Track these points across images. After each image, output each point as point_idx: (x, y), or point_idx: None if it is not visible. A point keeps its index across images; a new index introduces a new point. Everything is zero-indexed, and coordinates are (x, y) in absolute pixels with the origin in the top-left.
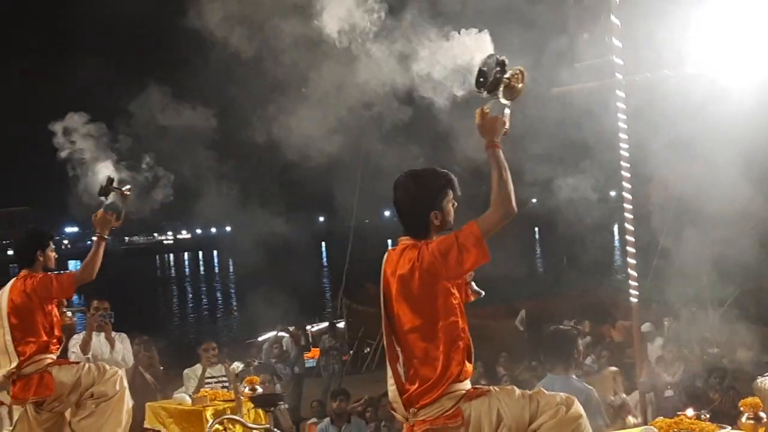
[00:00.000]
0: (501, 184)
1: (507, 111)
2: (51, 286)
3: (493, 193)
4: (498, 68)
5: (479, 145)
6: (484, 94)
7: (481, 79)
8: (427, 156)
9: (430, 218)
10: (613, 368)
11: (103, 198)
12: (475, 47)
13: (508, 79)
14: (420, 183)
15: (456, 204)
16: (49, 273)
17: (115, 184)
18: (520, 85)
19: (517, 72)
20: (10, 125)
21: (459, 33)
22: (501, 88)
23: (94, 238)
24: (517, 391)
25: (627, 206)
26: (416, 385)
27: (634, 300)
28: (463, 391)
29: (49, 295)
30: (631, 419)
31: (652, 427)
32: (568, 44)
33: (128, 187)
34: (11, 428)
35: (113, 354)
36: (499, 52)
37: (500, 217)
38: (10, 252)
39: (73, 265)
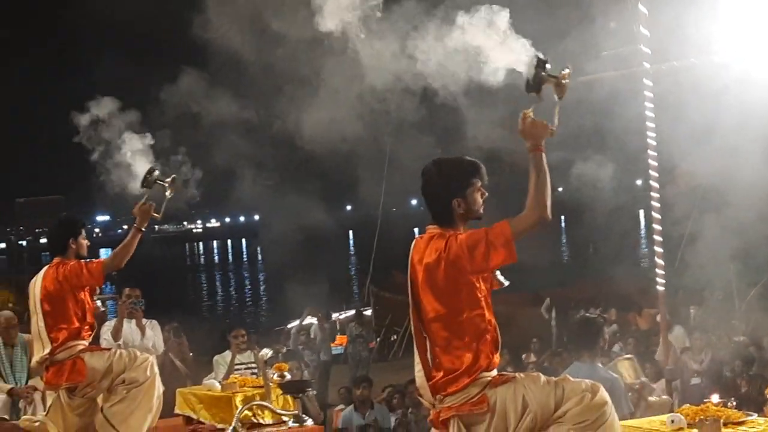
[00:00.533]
0: (539, 189)
1: (557, 108)
2: (81, 273)
3: (530, 196)
4: (539, 67)
5: (494, 134)
6: (534, 94)
7: (529, 82)
8: (446, 146)
9: (453, 206)
10: (628, 356)
11: (145, 188)
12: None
13: (554, 76)
14: (443, 170)
15: (486, 194)
16: (80, 261)
17: (157, 175)
18: (566, 81)
19: (564, 71)
20: (41, 114)
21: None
22: (552, 86)
23: (132, 227)
24: (543, 377)
25: (653, 194)
26: (442, 374)
27: (660, 288)
28: (489, 378)
29: (80, 283)
30: (652, 399)
31: (678, 414)
32: (595, 33)
33: (173, 177)
34: (45, 413)
35: (144, 341)
36: (525, 38)
37: (534, 221)
38: (44, 240)
39: (104, 253)
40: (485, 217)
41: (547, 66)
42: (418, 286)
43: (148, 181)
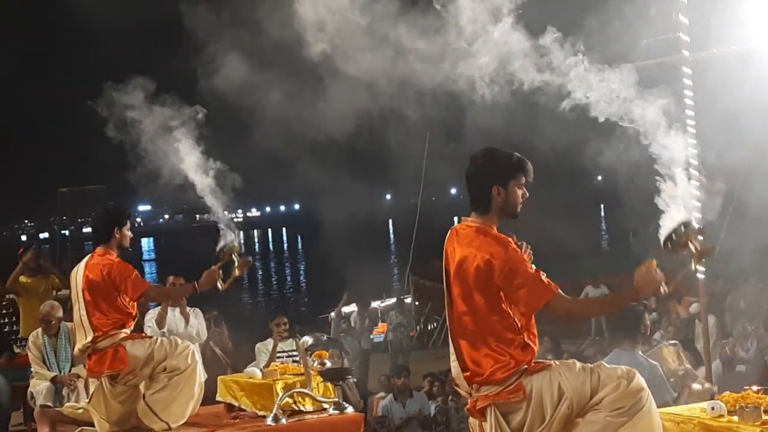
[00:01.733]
0: (598, 310)
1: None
2: (126, 282)
3: (589, 306)
4: (682, 230)
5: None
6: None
7: (669, 243)
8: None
9: (492, 192)
10: (673, 341)
11: (220, 259)
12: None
13: (691, 240)
14: (490, 157)
15: (527, 195)
16: (130, 268)
17: (232, 248)
18: (694, 244)
19: (695, 230)
20: (82, 103)
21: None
22: (691, 251)
23: (192, 282)
24: (578, 364)
25: (694, 182)
26: (475, 366)
27: (700, 275)
28: (525, 366)
29: (120, 288)
30: (696, 386)
31: (718, 401)
32: (635, 21)
33: (248, 259)
34: (87, 400)
35: (188, 329)
36: (561, 27)
37: (569, 315)
38: (86, 230)
39: (145, 242)
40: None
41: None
42: (455, 276)
43: (224, 253)
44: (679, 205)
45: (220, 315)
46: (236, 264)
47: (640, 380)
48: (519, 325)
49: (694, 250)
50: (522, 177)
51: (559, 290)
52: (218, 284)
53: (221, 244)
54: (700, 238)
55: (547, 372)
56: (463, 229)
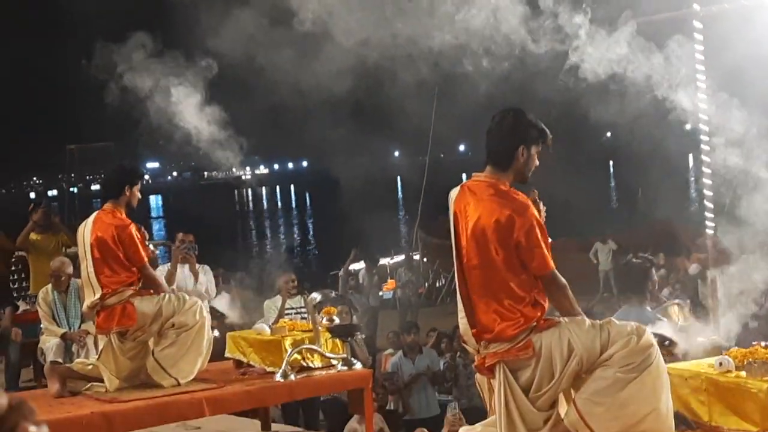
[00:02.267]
0: (566, 305)
1: None
2: (137, 251)
3: (564, 298)
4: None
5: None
6: None
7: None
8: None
9: (518, 152)
10: (677, 301)
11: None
12: None
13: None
14: (521, 118)
15: (537, 162)
16: (136, 240)
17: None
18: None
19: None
20: (89, 61)
21: None
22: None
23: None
24: (587, 321)
25: (703, 138)
26: (485, 323)
27: (709, 231)
28: (534, 324)
29: (132, 250)
30: (700, 339)
31: (726, 356)
32: None
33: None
34: (97, 357)
35: (197, 286)
36: None
37: (549, 294)
38: (95, 187)
39: (153, 200)
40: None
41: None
42: (464, 234)
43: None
44: None
45: (227, 272)
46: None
47: (649, 336)
48: (530, 283)
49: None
50: (541, 145)
51: (555, 270)
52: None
53: None
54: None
55: (556, 329)
56: (476, 185)
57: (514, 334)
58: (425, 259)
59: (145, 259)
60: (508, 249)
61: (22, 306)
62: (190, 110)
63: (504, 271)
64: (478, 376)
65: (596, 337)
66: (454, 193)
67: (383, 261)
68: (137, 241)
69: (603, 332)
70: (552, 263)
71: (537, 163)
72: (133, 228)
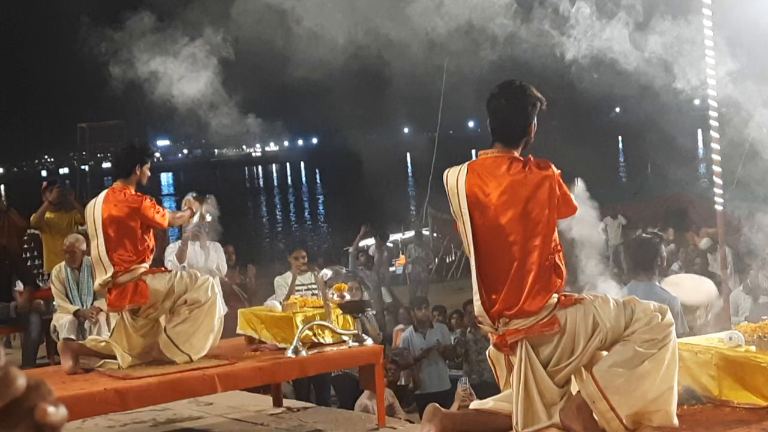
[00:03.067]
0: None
1: None
2: (153, 212)
3: None
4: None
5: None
6: None
7: None
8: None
9: (530, 128)
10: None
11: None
12: None
13: None
14: (527, 93)
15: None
16: (153, 201)
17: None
18: None
19: None
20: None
21: None
22: None
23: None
24: (612, 299)
25: (712, 113)
26: (508, 297)
27: (719, 207)
28: (556, 299)
29: (148, 217)
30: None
31: (736, 331)
32: None
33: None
34: (110, 334)
35: (208, 262)
36: None
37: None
38: (106, 165)
39: (164, 177)
40: None
41: None
42: (483, 210)
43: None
44: None
45: (234, 250)
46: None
47: (671, 316)
48: (550, 248)
49: None
50: (540, 110)
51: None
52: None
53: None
54: None
55: (581, 305)
56: (491, 162)
57: (540, 306)
58: (436, 234)
59: (166, 219)
60: (539, 215)
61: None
62: (201, 87)
63: (531, 239)
64: (491, 351)
65: (621, 314)
66: (458, 173)
67: (393, 237)
68: (154, 206)
69: (627, 309)
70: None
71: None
72: (147, 199)
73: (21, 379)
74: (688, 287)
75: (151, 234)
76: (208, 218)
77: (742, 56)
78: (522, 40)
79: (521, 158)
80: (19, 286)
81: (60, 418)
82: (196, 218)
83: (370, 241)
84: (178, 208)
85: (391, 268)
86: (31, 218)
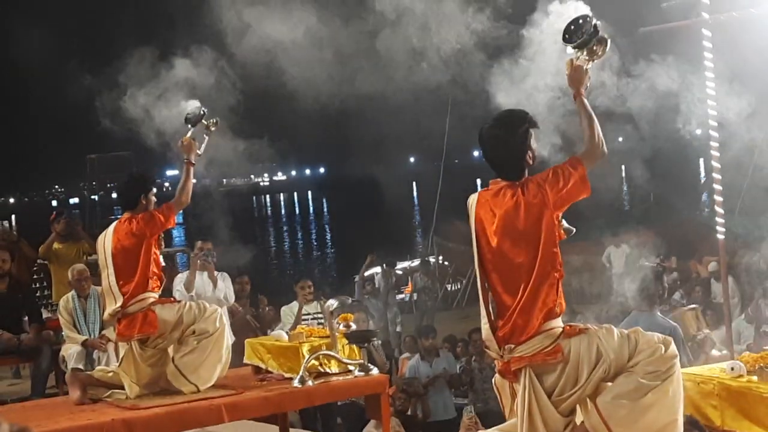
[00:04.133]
0: (592, 129)
1: (587, 68)
2: (155, 220)
3: (587, 137)
4: (592, 31)
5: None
6: (569, 47)
7: (570, 35)
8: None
9: (526, 160)
10: (693, 306)
11: (189, 126)
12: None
13: (594, 44)
14: (509, 130)
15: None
16: (149, 210)
17: (204, 117)
18: (600, 54)
19: (604, 40)
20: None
21: None
22: (585, 48)
23: (183, 163)
24: (616, 330)
25: (713, 143)
26: (510, 320)
27: (720, 236)
28: (560, 329)
29: (156, 229)
30: (715, 352)
31: (738, 361)
32: None
33: (215, 120)
34: (118, 364)
35: (216, 292)
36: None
37: (596, 156)
38: (115, 195)
39: None
40: None
41: (598, 31)
42: (488, 238)
43: (193, 120)
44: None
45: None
46: (206, 124)
47: (674, 348)
48: (558, 264)
49: (587, 50)
50: (532, 130)
51: (577, 155)
52: (197, 150)
53: (187, 112)
54: (606, 42)
55: (585, 336)
56: (494, 191)
57: (536, 329)
58: (443, 262)
59: (173, 210)
60: (527, 236)
61: (45, 314)
62: (209, 118)
63: (537, 259)
64: (496, 379)
65: (625, 345)
66: (473, 199)
67: (400, 265)
68: (153, 216)
69: (631, 341)
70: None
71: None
72: (147, 218)
73: (4, 427)
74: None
75: (159, 264)
76: (213, 128)
77: (742, 88)
78: (527, 71)
79: (519, 183)
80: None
81: None
82: (202, 148)
83: (377, 270)
84: (188, 243)
85: (399, 296)
86: (40, 249)
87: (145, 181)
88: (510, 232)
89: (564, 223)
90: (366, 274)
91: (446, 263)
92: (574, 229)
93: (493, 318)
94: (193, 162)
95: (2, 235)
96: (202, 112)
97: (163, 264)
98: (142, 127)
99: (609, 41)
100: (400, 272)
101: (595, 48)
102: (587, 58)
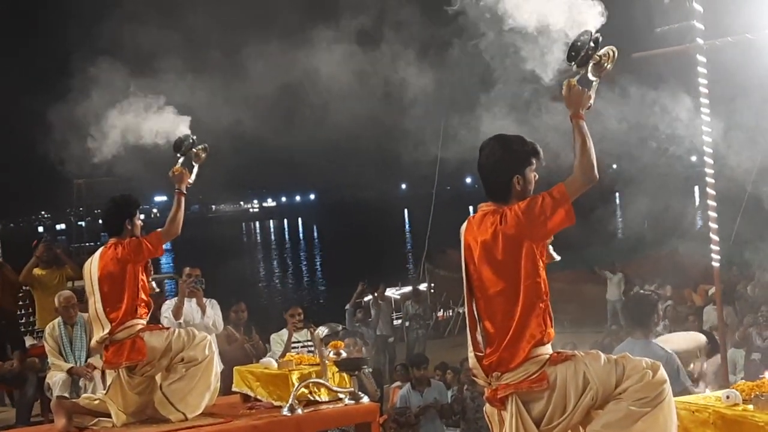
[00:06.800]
0: (585, 153)
1: (594, 85)
2: (142, 248)
3: (577, 160)
4: (592, 45)
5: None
6: (574, 67)
7: (573, 53)
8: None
9: (513, 182)
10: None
11: (178, 155)
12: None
13: (599, 56)
14: (507, 147)
15: (537, 176)
16: (137, 237)
17: (190, 143)
18: (608, 65)
19: (609, 52)
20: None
21: None
22: (590, 65)
23: (175, 193)
24: (603, 356)
25: (708, 170)
26: (497, 350)
27: (715, 264)
28: (547, 356)
29: (142, 257)
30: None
31: (734, 390)
32: (650, 9)
33: (205, 146)
34: (104, 391)
35: (204, 319)
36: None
37: (584, 182)
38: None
39: None
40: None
41: (599, 45)
42: (474, 264)
43: (182, 148)
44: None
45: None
46: (195, 152)
47: (663, 373)
48: (543, 290)
49: (594, 65)
50: (535, 162)
51: (563, 181)
52: (189, 179)
53: (177, 139)
54: (613, 52)
55: (572, 362)
56: (480, 216)
57: (524, 356)
58: (433, 291)
59: (162, 239)
60: (506, 265)
61: (29, 341)
62: (189, 133)
63: (521, 283)
64: (487, 408)
65: (612, 371)
66: (464, 226)
67: (390, 292)
68: (140, 243)
69: (618, 367)
70: (559, 184)
71: (536, 177)
72: (134, 244)
73: None
74: (676, 339)
75: (147, 291)
76: (203, 155)
77: (736, 113)
78: (522, 101)
79: (501, 210)
80: None
81: None
82: (193, 176)
83: (368, 298)
84: (176, 269)
85: (396, 322)
86: (21, 275)
87: (129, 206)
88: (490, 261)
89: (550, 249)
90: (357, 301)
91: (437, 291)
92: (559, 257)
93: (482, 346)
94: (184, 192)
95: None
96: (191, 140)
97: (157, 290)
98: (129, 152)
99: (614, 49)
100: (392, 297)
101: (602, 61)
102: (596, 73)
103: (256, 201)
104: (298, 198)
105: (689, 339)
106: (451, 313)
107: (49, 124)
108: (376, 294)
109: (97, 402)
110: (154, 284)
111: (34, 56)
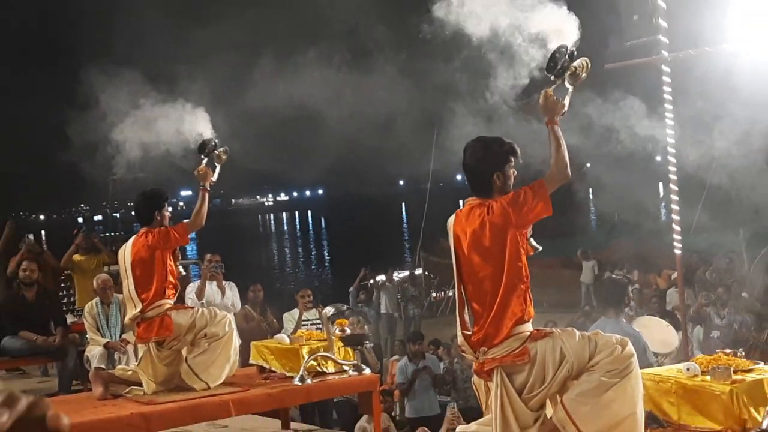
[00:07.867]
0: (559, 154)
1: (569, 93)
2: (169, 237)
3: (553, 160)
4: (568, 58)
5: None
6: (552, 77)
7: (552, 64)
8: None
9: (494, 179)
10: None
11: (202, 156)
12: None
13: (575, 67)
14: (486, 147)
15: (516, 172)
16: (166, 226)
17: (213, 145)
18: (584, 75)
19: (583, 63)
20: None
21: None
22: (567, 74)
23: (199, 190)
24: (577, 333)
25: (671, 168)
26: (483, 328)
27: (677, 251)
28: (528, 333)
29: (170, 244)
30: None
31: (693, 362)
32: (621, 24)
33: (225, 148)
34: (136, 363)
35: (224, 300)
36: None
37: (560, 179)
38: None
39: None
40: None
41: (574, 57)
42: (463, 252)
43: (206, 150)
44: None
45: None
46: (217, 153)
47: (631, 348)
48: (524, 273)
49: (570, 75)
50: (513, 159)
51: (542, 177)
52: (212, 178)
53: (201, 141)
54: (587, 63)
55: (550, 338)
56: (467, 209)
57: (507, 332)
58: (429, 274)
59: (187, 230)
60: (493, 252)
61: (70, 318)
62: (212, 137)
63: (505, 272)
64: (475, 379)
65: (585, 346)
66: (451, 220)
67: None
68: (168, 232)
69: (591, 342)
70: (540, 182)
71: (515, 173)
72: (164, 232)
73: (23, 398)
74: (656, 338)
75: (175, 274)
76: (224, 156)
77: (696, 118)
78: (502, 106)
79: (487, 203)
80: None
81: (68, 424)
82: (216, 175)
83: (381, 277)
84: (199, 255)
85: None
86: (62, 260)
87: (159, 198)
88: (478, 248)
89: (531, 240)
90: (360, 284)
91: (431, 275)
92: (540, 248)
93: (469, 325)
94: (208, 189)
95: (29, 247)
96: (213, 143)
97: (183, 273)
98: (158, 152)
99: (588, 61)
100: (389, 284)
101: (576, 71)
102: (571, 82)
103: (270, 195)
104: (308, 193)
105: (667, 344)
106: (443, 295)
107: (91, 131)
108: (384, 277)
109: (130, 372)
110: (180, 268)
111: (65, 72)
